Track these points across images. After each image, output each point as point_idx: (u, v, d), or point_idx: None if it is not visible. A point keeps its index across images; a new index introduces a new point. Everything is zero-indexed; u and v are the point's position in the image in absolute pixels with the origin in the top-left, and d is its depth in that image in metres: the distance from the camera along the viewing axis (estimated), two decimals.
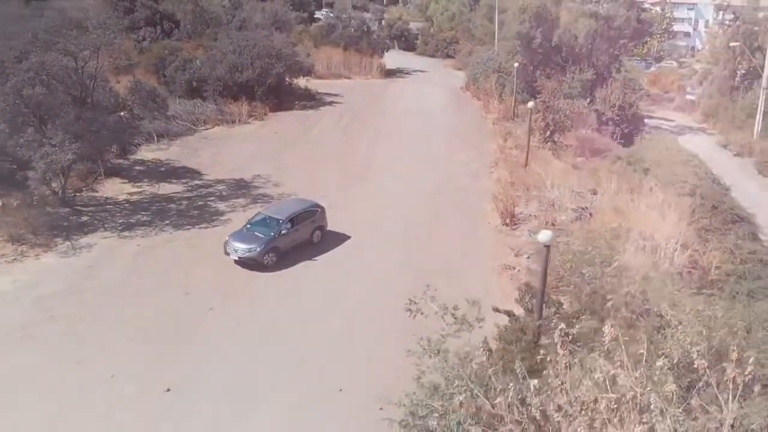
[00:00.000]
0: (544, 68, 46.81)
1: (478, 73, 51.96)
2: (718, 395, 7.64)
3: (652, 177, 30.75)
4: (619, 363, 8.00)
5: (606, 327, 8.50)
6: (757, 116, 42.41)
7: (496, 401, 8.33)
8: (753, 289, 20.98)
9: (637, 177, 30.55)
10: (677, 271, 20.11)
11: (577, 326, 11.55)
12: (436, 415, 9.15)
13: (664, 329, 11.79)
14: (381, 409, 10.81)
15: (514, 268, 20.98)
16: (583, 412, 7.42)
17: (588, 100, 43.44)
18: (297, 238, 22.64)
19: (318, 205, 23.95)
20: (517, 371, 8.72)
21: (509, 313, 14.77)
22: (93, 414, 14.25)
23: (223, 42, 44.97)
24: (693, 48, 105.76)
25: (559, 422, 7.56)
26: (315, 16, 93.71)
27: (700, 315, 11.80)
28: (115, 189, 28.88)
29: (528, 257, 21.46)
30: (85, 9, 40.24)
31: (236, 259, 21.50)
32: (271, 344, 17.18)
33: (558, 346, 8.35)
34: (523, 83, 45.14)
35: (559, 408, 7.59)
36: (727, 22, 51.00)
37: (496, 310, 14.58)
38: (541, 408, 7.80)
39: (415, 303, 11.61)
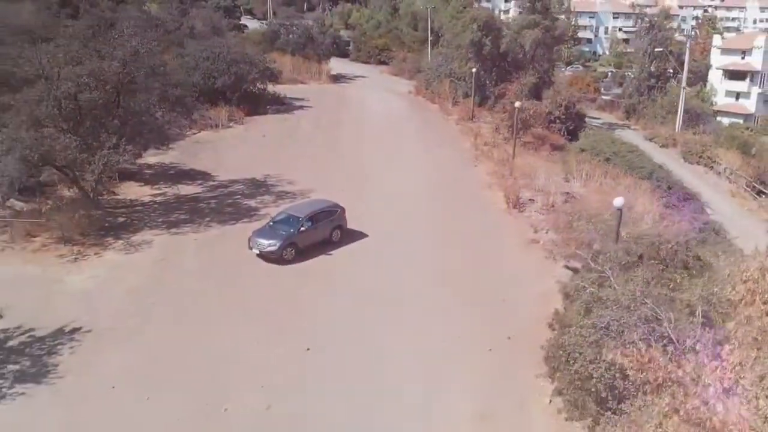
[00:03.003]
0: (492, 73, 51.64)
1: (431, 78, 55.84)
2: None
3: (612, 164, 35.88)
4: None
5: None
6: (679, 112, 49.21)
7: None
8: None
9: (601, 165, 35.54)
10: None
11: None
12: None
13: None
14: None
15: (539, 241, 24.71)
16: None
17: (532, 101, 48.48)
18: (316, 235, 23.90)
19: (338, 206, 25.28)
20: None
21: (575, 270, 18.39)
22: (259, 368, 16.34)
23: (194, 49, 45.85)
24: (595, 53, 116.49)
25: None
26: (241, 23, 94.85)
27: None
28: (135, 191, 29.84)
29: (546, 232, 25.26)
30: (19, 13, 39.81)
31: (257, 253, 23.08)
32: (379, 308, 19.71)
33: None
34: (474, 87, 49.52)
35: None
36: (643, 30, 57.94)
37: (567, 267, 18.13)
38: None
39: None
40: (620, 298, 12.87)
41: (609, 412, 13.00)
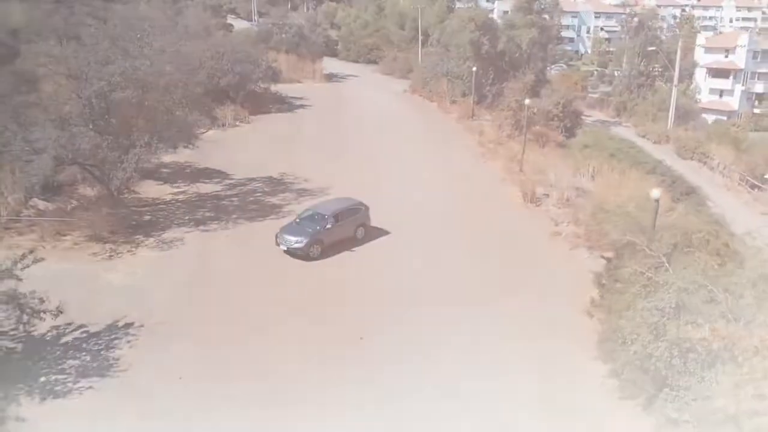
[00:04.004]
0: (489, 72, 52.57)
1: (428, 77, 56.57)
2: None
3: (617, 160, 36.97)
4: None
5: None
6: (671, 110, 50.72)
7: None
8: None
9: (606, 160, 36.58)
10: None
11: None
12: None
13: None
14: None
15: (560, 234, 25.55)
16: None
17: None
18: (342, 233, 24.22)
19: (362, 204, 25.66)
20: None
21: (608, 258, 19.23)
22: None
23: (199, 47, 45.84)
24: (578, 52, 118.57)
25: None
26: (228, 22, 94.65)
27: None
28: (155, 190, 29.94)
29: (567, 225, 26.13)
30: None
31: (285, 249, 23.53)
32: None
33: None
34: (474, 86, 50.40)
35: None
36: (632, 29, 59.52)
37: (602, 257, 18.97)
38: None
39: None
40: (678, 282, 13.68)
41: (667, 389, 13.81)
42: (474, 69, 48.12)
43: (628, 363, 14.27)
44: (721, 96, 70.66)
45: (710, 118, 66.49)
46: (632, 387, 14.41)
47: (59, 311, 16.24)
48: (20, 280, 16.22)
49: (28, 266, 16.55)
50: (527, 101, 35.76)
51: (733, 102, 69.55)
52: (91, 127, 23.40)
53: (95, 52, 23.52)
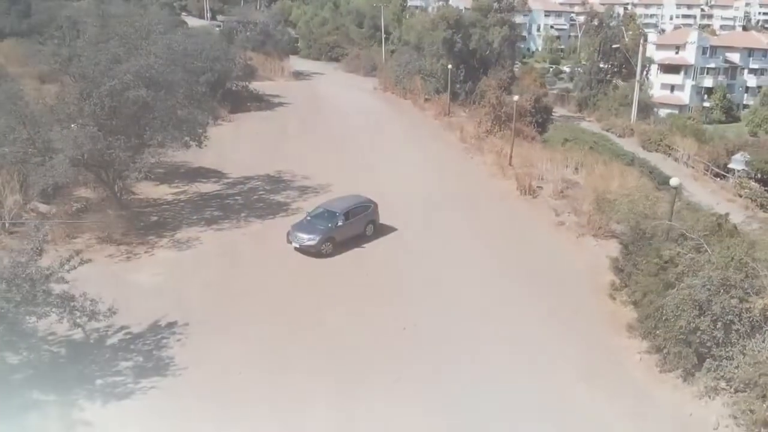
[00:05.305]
0: (460, 70, 53.75)
1: (401, 75, 57.29)
2: None
3: (597, 153, 38.71)
4: None
5: None
6: (634, 104, 53.25)
7: None
8: None
9: (588, 154, 38.26)
10: None
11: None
12: None
13: None
14: None
15: (564, 223, 26.77)
16: None
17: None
18: (352, 230, 24.61)
19: (371, 201, 26.09)
20: None
21: (626, 245, 20.46)
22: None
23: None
24: (529, 49, 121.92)
25: None
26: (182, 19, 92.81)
27: None
28: (153, 190, 29.58)
29: (568, 214, 27.38)
30: None
31: (297, 246, 23.82)
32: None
33: None
34: (450, 83, 51.45)
35: None
36: (592, 28, 62.02)
37: (621, 242, 20.16)
38: None
39: None
40: (719, 261, 14.93)
41: (710, 359, 15.05)
42: (450, 67, 49.12)
43: (671, 338, 15.39)
44: (672, 91, 74.53)
45: (662, 112, 70.03)
46: (674, 360, 15.55)
47: (112, 312, 16.07)
48: (67, 282, 16.04)
49: (75, 268, 16.35)
50: (515, 97, 36.96)
51: (684, 96, 73.47)
52: (101, 127, 22.96)
53: (105, 50, 23.08)
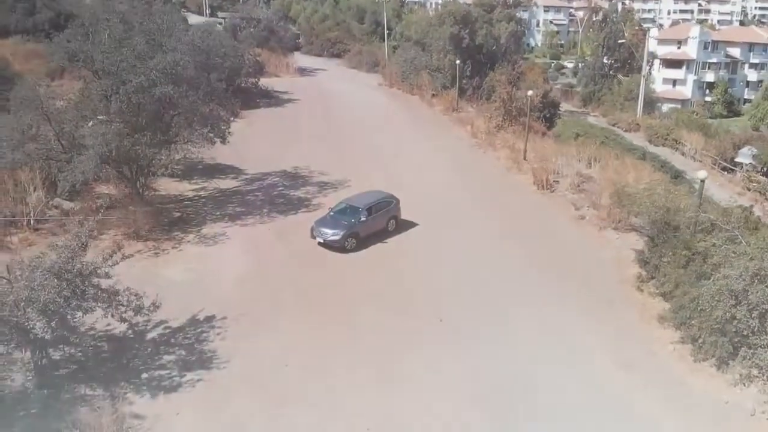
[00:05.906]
0: (467, 65, 53.95)
1: (407, 71, 57.43)
2: None
3: (609, 147, 39.00)
4: None
5: None
6: (640, 98, 53.58)
7: None
8: None
9: (599, 148, 38.50)
10: None
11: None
12: None
13: None
14: None
15: (584, 217, 27.08)
16: None
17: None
18: (375, 225, 24.85)
19: (393, 197, 26.28)
20: None
21: (651, 237, 20.78)
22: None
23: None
24: (529, 45, 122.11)
25: None
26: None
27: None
28: (173, 187, 29.68)
29: (587, 208, 27.69)
30: None
31: (320, 241, 24.09)
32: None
33: None
34: (458, 78, 51.68)
35: None
36: (597, 24, 62.36)
37: (648, 236, 20.44)
38: None
39: None
40: (755, 252, 15.25)
41: (745, 348, 15.37)
42: (458, 62, 49.33)
43: (707, 327, 15.71)
44: (674, 85, 75.01)
45: (665, 107, 70.45)
46: (709, 349, 15.87)
47: (156, 307, 16.25)
48: (110, 278, 16.20)
49: (117, 263, 16.52)
50: (530, 92, 37.18)
51: (686, 91, 73.90)
52: (126, 123, 23.10)
53: (130, 46, 23.18)
